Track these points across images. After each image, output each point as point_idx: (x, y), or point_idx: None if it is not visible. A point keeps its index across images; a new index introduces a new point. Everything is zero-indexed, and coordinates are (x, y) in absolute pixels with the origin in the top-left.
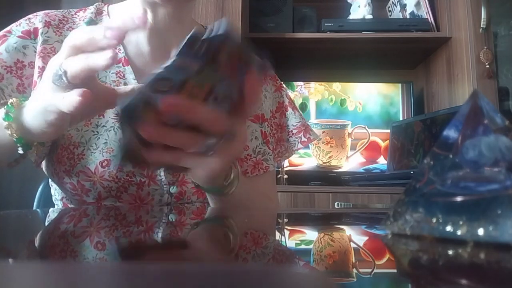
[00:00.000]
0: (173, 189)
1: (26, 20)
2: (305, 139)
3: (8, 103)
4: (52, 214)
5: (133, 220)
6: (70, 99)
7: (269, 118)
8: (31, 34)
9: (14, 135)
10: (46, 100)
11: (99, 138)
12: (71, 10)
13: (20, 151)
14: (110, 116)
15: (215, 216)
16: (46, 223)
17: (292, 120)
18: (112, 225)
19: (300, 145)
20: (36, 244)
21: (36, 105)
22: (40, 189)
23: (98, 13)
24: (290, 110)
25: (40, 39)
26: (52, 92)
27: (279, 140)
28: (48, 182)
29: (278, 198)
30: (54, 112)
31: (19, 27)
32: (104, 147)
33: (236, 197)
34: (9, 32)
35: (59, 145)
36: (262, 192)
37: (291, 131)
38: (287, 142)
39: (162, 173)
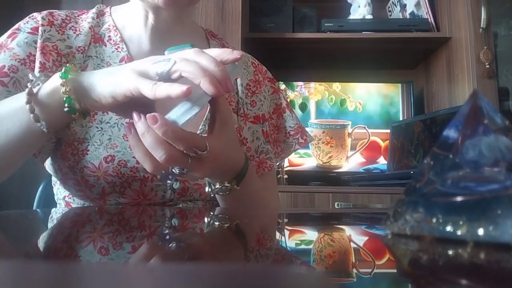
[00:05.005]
0: (176, 185)
1: (31, 18)
2: (302, 141)
3: (66, 65)
4: (54, 214)
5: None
6: (168, 88)
7: (267, 118)
8: (38, 30)
9: (67, 92)
10: (126, 79)
11: (103, 134)
12: (74, 11)
13: (66, 110)
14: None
15: (216, 217)
16: (47, 224)
17: (290, 121)
18: (115, 230)
19: (297, 146)
20: (36, 244)
21: (107, 76)
22: (40, 189)
23: (100, 14)
24: (287, 112)
25: (40, 35)
26: (136, 77)
27: (276, 141)
28: (48, 182)
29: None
30: (124, 91)
31: (27, 24)
32: (108, 143)
33: (247, 195)
34: (18, 29)
35: (63, 142)
36: (270, 190)
37: (289, 132)
38: (284, 143)
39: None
